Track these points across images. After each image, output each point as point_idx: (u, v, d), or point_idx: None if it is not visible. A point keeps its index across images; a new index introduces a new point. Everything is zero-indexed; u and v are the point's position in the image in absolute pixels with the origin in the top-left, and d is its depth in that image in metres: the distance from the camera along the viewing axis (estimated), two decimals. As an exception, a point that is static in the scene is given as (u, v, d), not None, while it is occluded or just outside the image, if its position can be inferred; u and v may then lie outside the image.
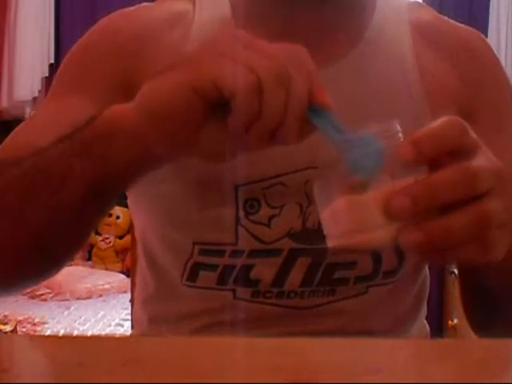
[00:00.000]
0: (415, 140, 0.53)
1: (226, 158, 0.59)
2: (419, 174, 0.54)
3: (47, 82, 4.36)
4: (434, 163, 0.53)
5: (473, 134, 0.55)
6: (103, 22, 0.88)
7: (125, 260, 3.59)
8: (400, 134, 0.56)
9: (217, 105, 0.56)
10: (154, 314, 0.89)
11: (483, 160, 0.54)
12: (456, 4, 3.43)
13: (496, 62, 0.88)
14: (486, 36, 3.11)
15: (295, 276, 0.79)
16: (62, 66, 0.87)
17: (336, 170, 0.57)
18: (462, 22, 0.90)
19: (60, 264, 0.73)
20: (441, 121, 0.54)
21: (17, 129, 0.84)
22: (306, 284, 0.80)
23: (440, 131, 0.53)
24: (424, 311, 0.91)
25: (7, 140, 0.83)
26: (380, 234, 0.54)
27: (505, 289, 0.75)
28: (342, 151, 0.57)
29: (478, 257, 0.54)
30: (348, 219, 0.55)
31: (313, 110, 0.57)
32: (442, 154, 0.53)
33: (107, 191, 0.66)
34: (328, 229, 0.57)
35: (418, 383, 0.45)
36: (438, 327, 2.93)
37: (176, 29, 0.84)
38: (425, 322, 0.92)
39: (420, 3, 0.90)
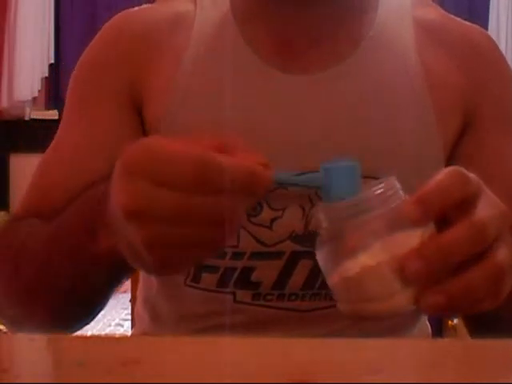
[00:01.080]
0: (420, 199, 0.52)
1: None
2: (426, 228, 0.53)
3: (47, 82, 4.36)
4: (440, 216, 0.53)
5: (474, 179, 0.54)
6: (106, 28, 0.88)
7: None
8: (401, 192, 0.55)
9: None
10: (155, 314, 0.89)
11: (488, 206, 0.54)
12: (456, 3, 3.43)
13: (501, 59, 0.88)
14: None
15: (296, 279, 0.79)
16: (71, 84, 0.88)
17: (338, 232, 0.55)
18: (462, 21, 0.90)
19: (94, 313, 0.76)
20: (442, 174, 0.53)
21: (44, 159, 0.86)
22: (308, 287, 0.80)
23: (443, 186, 0.53)
24: (426, 313, 0.91)
25: (33, 178, 0.85)
26: (397, 300, 0.54)
27: (507, 312, 0.75)
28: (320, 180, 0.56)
29: (492, 305, 0.55)
30: (362, 287, 0.54)
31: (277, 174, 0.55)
32: (449, 208, 0.53)
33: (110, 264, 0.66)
34: (339, 295, 0.56)
35: (417, 383, 0.45)
36: (438, 327, 2.92)
37: (178, 30, 0.84)
38: (427, 323, 0.92)
39: (424, 0, 0.90)
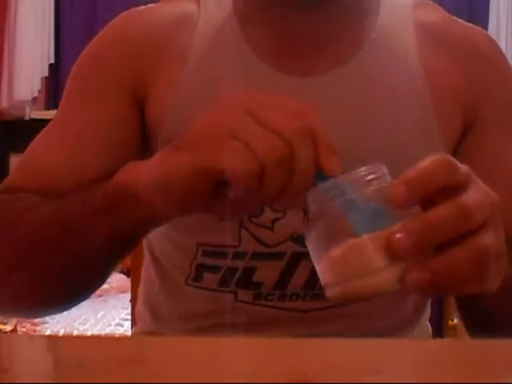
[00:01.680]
0: (406, 181, 0.53)
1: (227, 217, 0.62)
2: (410, 212, 0.53)
3: (47, 82, 4.36)
4: (426, 201, 0.53)
5: (463, 169, 0.55)
6: (111, 25, 0.88)
7: (125, 260, 3.58)
8: (388, 177, 0.56)
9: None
10: (157, 313, 0.89)
11: (477, 193, 0.54)
12: (456, 3, 3.42)
13: (503, 61, 0.87)
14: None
15: (298, 279, 0.79)
16: (72, 73, 0.87)
17: (327, 219, 0.56)
18: (461, 22, 0.90)
19: (83, 295, 0.77)
20: (429, 160, 0.54)
21: (33, 144, 0.85)
22: (309, 287, 0.80)
23: (429, 170, 0.53)
24: (427, 313, 0.91)
25: (24, 157, 0.84)
26: (382, 277, 0.53)
27: (502, 310, 0.75)
28: (347, 214, 0.55)
29: (477, 288, 0.54)
30: (347, 265, 0.54)
31: (320, 174, 0.57)
32: (433, 193, 0.53)
33: (125, 240, 0.71)
34: (326, 279, 0.56)
35: (418, 383, 0.45)
36: (438, 327, 2.92)
37: (182, 30, 0.84)
38: (428, 323, 0.92)
39: (426, 1, 0.90)
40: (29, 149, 0.84)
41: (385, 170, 0.56)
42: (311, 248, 0.57)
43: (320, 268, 0.56)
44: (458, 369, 0.48)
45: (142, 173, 0.64)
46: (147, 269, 0.92)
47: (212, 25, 0.84)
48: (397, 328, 0.84)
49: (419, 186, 0.53)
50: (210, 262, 0.81)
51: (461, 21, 0.88)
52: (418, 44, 0.84)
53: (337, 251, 0.54)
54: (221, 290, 0.81)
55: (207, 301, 0.82)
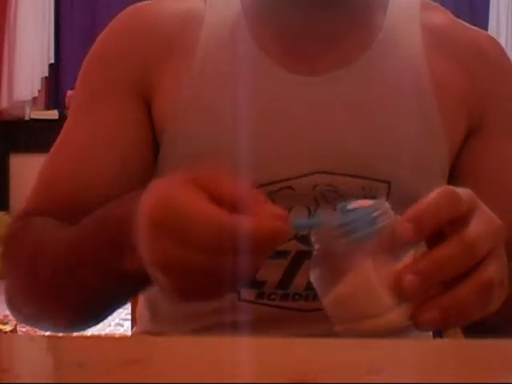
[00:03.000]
0: (412, 218, 0.53)
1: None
2: (416, 247, 0.54)
3: (47, 81, 4.36)
4: (432, 235, 0.54)
5: (467, 196, 0.55)
6: (116, 21, 0.88)
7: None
8: (391, 212, 0.56)
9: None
10: (158, 313, 0.89)
11: (480, 223, 0.55)
12: (456, 3, 3.43)
13: (507, 64, 0.88)
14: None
15: (301, 279, 0.79)
16: (80, 77, 0.87)
17: (333, 259, 0.56)
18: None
19: (107, 315, 0.76)
20: (434, 193, 0.54)
21: (50, 156, 0.85)
22: (312, 287, 0.79)
23: (434, 205, 0.54)
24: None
25: (39, 176, 0.84)
26: (391, 316, 0.54)
27: (502, 322, 0.75)
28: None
29: (481, 315, 0.56)
30: (356, 305, 0.55)
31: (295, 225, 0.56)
32: (439, 227, 0.54)
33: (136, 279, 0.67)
34: (334, 315, 0.57)
35: (418, 383, 0.45)
36: (438, 327, 2.92)
37: (188, 27, 0.84)
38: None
39: (433, 3, 0.90)
40: (44, 165, 0.85)
41: (387, 205, 0.56)
42: (317, 284, 0.58)
43: (327, 304, 0.57)
44: (458, 369, 0.48)
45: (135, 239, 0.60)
46: None
47: (219, 22, 0.84)
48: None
49: (425, 222, 0.53)
50: None
51: (467, 24, 0.89)
52: (424, 46, 0.84)
53: (344, 291, 0.55)
54: (224, 289, 0.81)
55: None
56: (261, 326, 0.79)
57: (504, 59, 0.88)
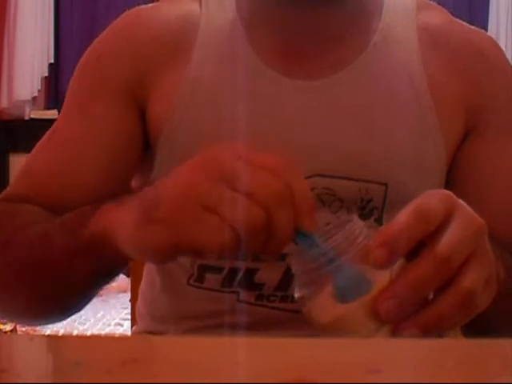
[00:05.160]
0: (384, 242, 0.53)
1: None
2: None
3: (47, 81, 4.36)
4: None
5: (444, 198, 0.55)
6: (114, 25, 0.88)
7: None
8: (365, 229, 0.56)
9: None
10: (158, 313, 0.89)
11: (458, 228, 0.54)
12: (456, 3, 3.42)
13: (507, 65, 0.88)
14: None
15: None
16: (75, 75, 0.87)
17: (311, 280, 0.56)
18: (460, 23, 0.90)
19: (77, 309, 0.79)
20: (405, 214, 0.54)
21: (35, 151, 0.85)
22: None
23: (406, 225, 0.53)
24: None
25: (26, 165, 0.84)
26: (376, 337, 0.55)
27: (496, 313, 0.75)
28: (328, 274, 0.56)
29: (467, 320, 0.56)
30: (338, 332, 0.56)
31: (300, 232, 0.56)
32: (412, 247, 0.54)
33: (108, 274, 0.74)
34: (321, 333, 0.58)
35: (418, 383, 0.45)
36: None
37: (184, 31, 0.84)
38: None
39: (431, 3, 0.90)
40: (30, 156, 0.85)
41: (361, 223, 0.56)
42: (300, 305, 0.59)
43: (316, 328, 0.58)
44: (458, 369, 0.48)
45: (119, 229, 0.63)
46: (149, 270, 0.92)
47: (214, 26, 0.84)
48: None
49: (398, 245, 0.53)
50: (212, 262, 0.81)
51: (465, 24, 0.88)
52: (420, 47, 0.84)
53: (326, 319, 0.56)
54: (223, 291, 0.81)
55: (209, 301, 0.82)
56: (260, 327, 0.79)
57: (502, 59, 0.87)
